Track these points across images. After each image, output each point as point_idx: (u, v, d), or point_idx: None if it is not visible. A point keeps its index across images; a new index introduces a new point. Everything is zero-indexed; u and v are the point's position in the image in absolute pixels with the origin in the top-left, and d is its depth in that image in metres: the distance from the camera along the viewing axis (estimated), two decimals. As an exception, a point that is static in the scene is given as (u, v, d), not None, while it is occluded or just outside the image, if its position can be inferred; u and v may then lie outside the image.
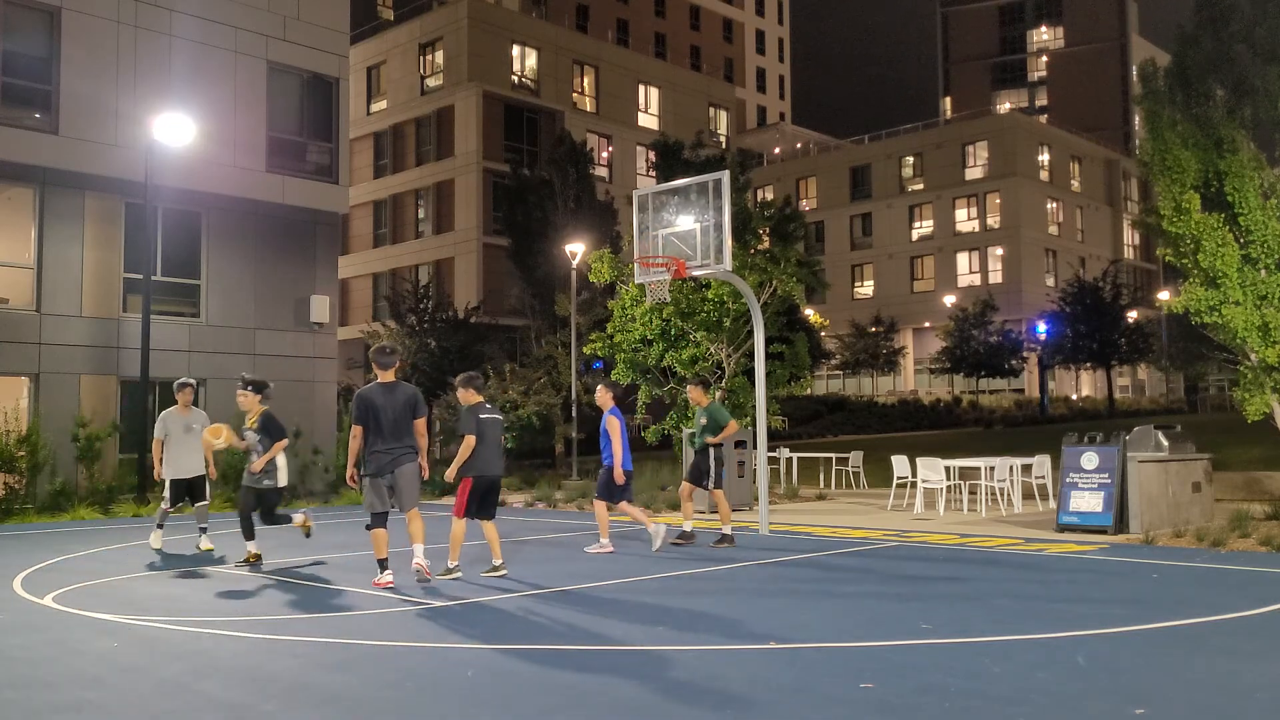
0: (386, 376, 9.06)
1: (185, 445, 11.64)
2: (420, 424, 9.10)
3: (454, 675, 5.92)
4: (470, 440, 9.30)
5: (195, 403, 12.92)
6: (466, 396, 9.59)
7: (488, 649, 6.61)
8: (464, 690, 5.58)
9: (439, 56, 46.57)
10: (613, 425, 11.19)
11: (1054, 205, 63.21)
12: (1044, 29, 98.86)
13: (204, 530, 11.98)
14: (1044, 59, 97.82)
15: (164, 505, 11.83)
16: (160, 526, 12.04)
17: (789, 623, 7.36)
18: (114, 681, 5.88)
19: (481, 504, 9.47)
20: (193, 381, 12.21)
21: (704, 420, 12.10)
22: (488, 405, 9.60)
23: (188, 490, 11.80)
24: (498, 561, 9.67)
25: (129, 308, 20.02)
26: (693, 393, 12.67)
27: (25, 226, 19.24)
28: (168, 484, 11.73)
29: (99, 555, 11.87)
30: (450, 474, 9.48)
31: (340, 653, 6.55)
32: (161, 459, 11.72)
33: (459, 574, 9.39)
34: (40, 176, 19.13)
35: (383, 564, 9.05)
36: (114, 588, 9.41)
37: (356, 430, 8.94)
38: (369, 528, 9.08)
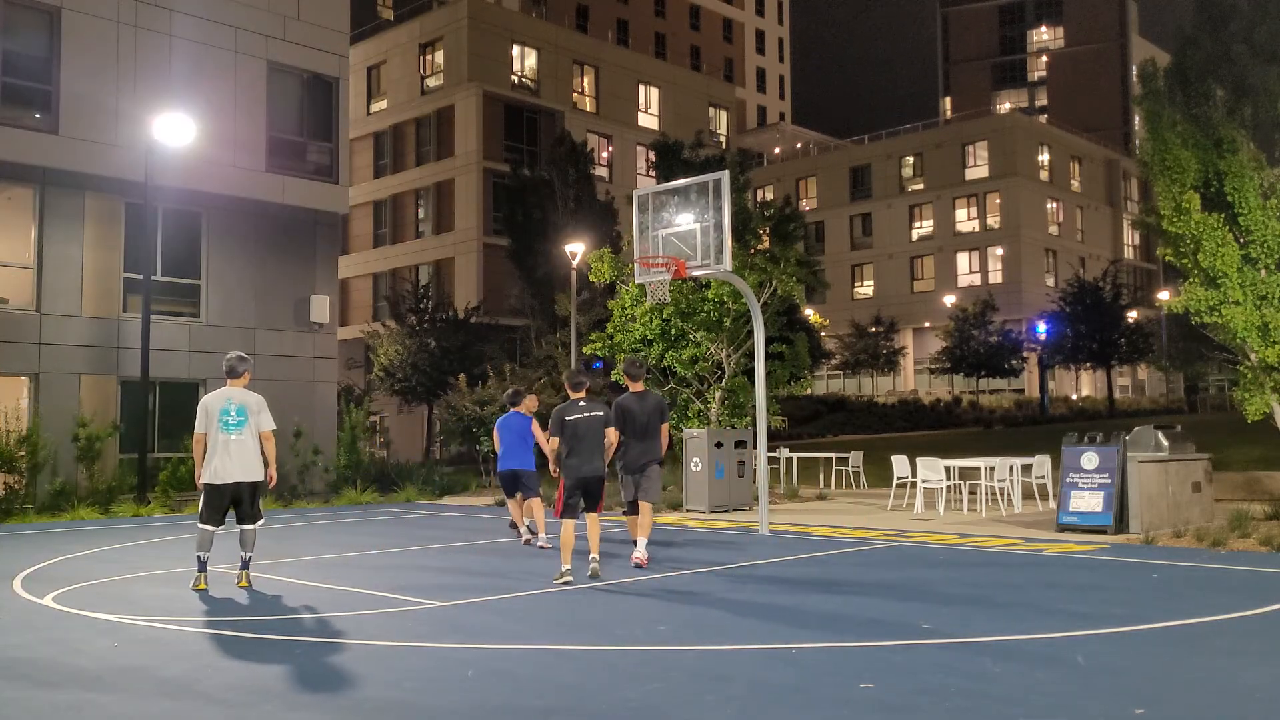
0: (636, 386, 10.28)
1: (231, 439, 8.84)
2: (665, 426, 10.36)
3: (454, 675, 5.92)
4: (554, 441, 9.72)
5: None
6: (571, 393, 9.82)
7: (488, 649, 6.62)
8: (464, 690, 5.58)
9: (439, 56, 46.58)
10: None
11: (1054, 205, 63.20)
12: (1044, 29, 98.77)
13: (247, 565, 9.11)
14: (1044, 59, 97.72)
15: (201, 525, 8.87)
16: (202, 569, 8.92)
17: (789, 623, 7.35)
18: (114, 681, 5.87)
19: (582, 499, 9.56)
20: (241, 356, 9.27)
21: None
22: (580, 403, 9.62)
23: (232, 502, 8.91)
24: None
25: (129, 308, 20.02)
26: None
27: (25, 226, 19.24)
28: (203, 494, 8.91)
29: (99, 555, 11.87)
30: (553, 469, 10.38)
31: (340, 653, 6.55)
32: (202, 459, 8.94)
33: (570, 578, 9.07)
34: (40, 176, 19.13)
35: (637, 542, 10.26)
36: (114, 588, 9.40)
37: (612, 433, 9.92)
38: (625, 513, 10.54)
